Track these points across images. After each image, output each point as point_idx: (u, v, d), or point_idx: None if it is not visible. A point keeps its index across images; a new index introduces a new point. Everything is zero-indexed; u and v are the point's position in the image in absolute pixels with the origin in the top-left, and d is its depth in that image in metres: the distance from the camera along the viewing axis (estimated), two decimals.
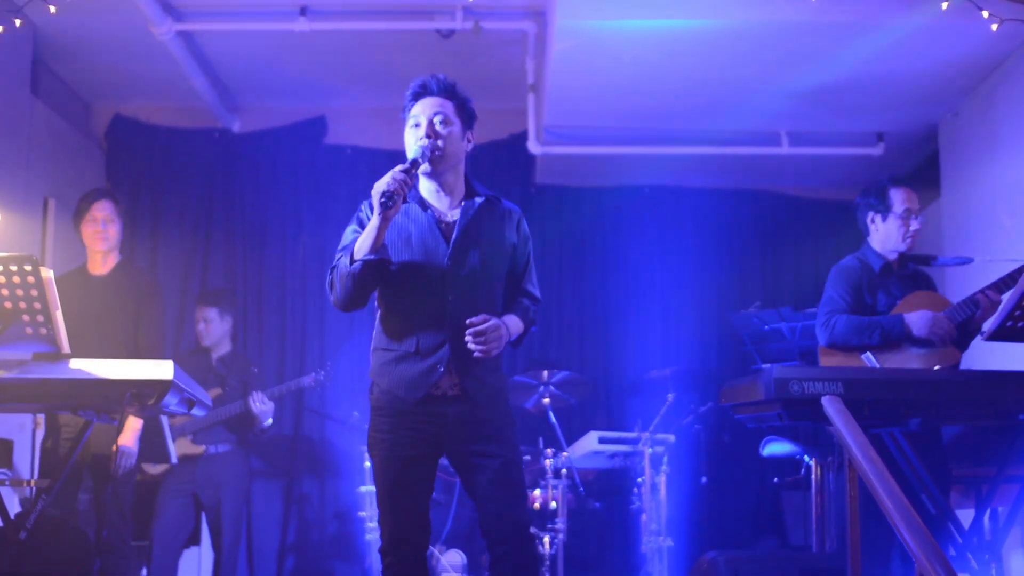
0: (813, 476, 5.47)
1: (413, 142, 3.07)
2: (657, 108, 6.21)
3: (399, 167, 2.94)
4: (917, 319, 3.87)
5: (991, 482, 3.55)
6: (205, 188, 6.87)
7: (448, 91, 3.13)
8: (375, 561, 5.53)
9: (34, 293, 2.85)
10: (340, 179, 6.86)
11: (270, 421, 5.34)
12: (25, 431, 5.38)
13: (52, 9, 4.89)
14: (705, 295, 7.06)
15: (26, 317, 2.88)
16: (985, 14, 4.73)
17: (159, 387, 2.87)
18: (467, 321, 2.97)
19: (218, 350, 5.53)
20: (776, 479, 6.39)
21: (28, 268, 2.82)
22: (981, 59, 5.47)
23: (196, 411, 3.30)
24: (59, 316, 2.91)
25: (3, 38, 5.05)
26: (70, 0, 4.96)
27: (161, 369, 2.87)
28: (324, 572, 6.50)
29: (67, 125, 6.39)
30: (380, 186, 2.90)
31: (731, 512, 6.62)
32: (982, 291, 3.85)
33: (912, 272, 4.18)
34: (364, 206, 3.14)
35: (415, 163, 2.99)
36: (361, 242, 2.98)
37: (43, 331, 2.91)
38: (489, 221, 3.15)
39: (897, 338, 3.89)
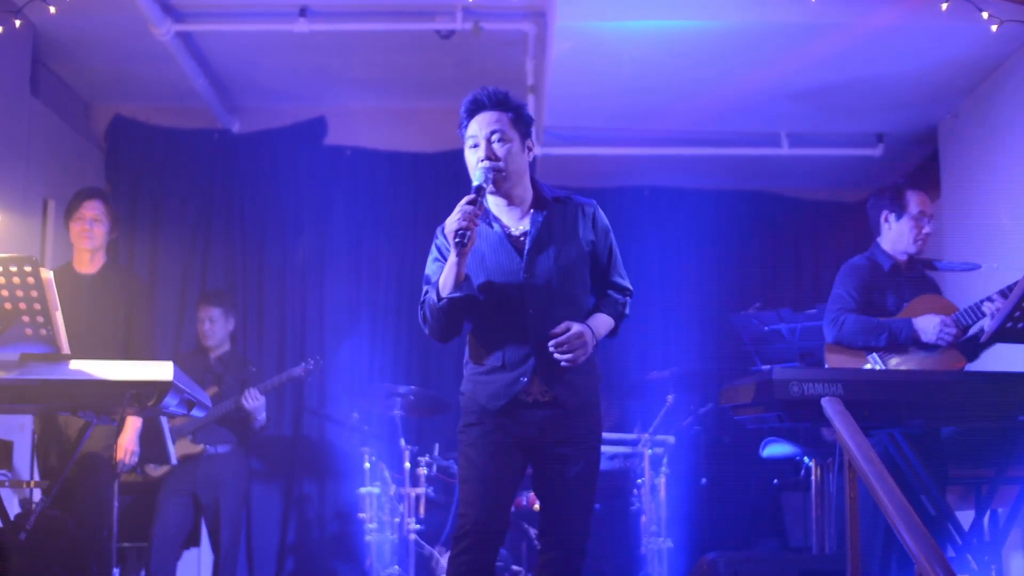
0: (813, 477, 5.47)
1: (474, 163, 3.04)
2: (657, 109, 6.21)
3: (465, 199, 2.90)
4: (926, 324, 3.88)
5: (991, 483, 3.55)
6: (205, 189, 6.86)
7: (501, 103, 3.07)
8: (375, 561, 5.54)
9: (34, 294, 2.86)
10: (340, 180, 6.86)
11: (263, 415, 5.34)
12: (25, 432, 5.37)
13: (52, 9, 4.89)
14: (705, 296, 7.06)
15: (26, 318, 2.89)
16: (985, 15, 4.73)
17: (159, 388, 2.87)
18: (550, 332, 2.97)
19: (218, 350, 5.54)
20: (776, 480, 6.39)
21: (28, 269, 2.83)
22: (981, 60, 5.47)
23: (196, 412, 3.31)
24: (59, 317, 2.92)
25: (3, 38, 5.04)
26: (70, 0, 4.96)
27: (161, 370, 2.87)
28: (324, 573, 6.49)
29: (66, 125, 6.38)
30: (451, 224, 2.88)
31: (731, 513, 6.61)
32: (988, 300, 3.85)
33: (920, 275, 4.20)
34: (439, 234, 3.12)
35: (480, 190, 2.95)
36: (444, 279, 2.97)
37: (43, 332, 2.91)
38: (561, 224, 3.11)
39: (904, 341, 3.90)
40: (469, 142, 3.07)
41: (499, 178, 3.01)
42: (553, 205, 3.13)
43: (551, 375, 3.02)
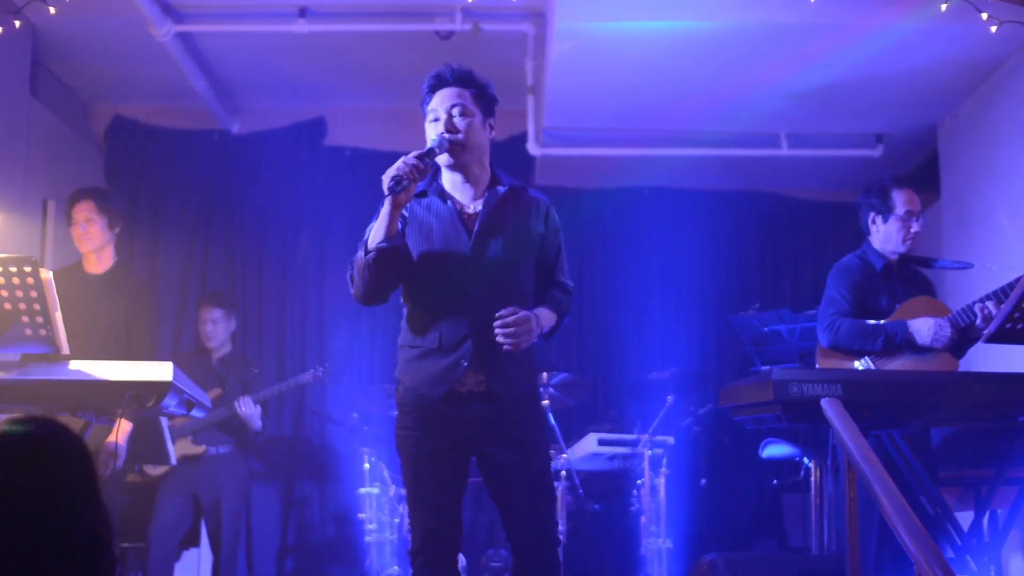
0: (812, 478, 5.47)
1: (433, 136, 3.00)
2: (656, 110, 6.21)
3: (413, 153, 2.88)
4: (921, 326, 3.83)
5: (990, 484, 3.55)
6: (204, 189, 6.87)
7: (464, 79, 3.04)
8: (374, 562, 5.54)
9: (34, 294, 2.86)
10: (339, 180, 6.86)
11: (259, 423, 5.31)
12: None
13: (51, 10, 4.89)
14: (704, 297, 7.06)
15: (26, 318, 2.89)
16: (984, 16, 4.73)
17: (158, 388, 2.88)
18: (496, 314, 2.88)
19: (220, 351, 5.54)
20: (775, 481, 6.39)
21: (28, 269, 2.83)
22: (980, 60, 5.47)
23: (195, 412, 3.30)
24: (58, 317, 2.92)
25: (2, 39, 5.04)
26: (70, 1, 4.96)
27: (160, 371, 2.87)
28: (323, 573, 6.50)
29: (66, 126, 6.39)
30: (390, 171, 2.85)
31: (730, 514, 6.62)
32: (981, 302, 3.81)
33: (912, 273, 4.15)
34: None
35: (431, 152, 2.92)
36: (374, 231, 2.91)
37: (42, 332, 2.91)
38: (515, 211, 3.06)
39: (900, 344, 3.86)
40: (429, 116, 3.04)
41: (457, 150, 2.97)
42: (509, 191, 3.08)
43: (487, 361, 2.94)
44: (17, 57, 5.60)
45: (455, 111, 2.99)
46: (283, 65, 6.32)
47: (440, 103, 3.01)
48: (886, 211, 4.07)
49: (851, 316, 3.95)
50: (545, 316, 3.06)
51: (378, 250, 2.89)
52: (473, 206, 3.05)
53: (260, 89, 6.72)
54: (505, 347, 2.89)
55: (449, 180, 3.07)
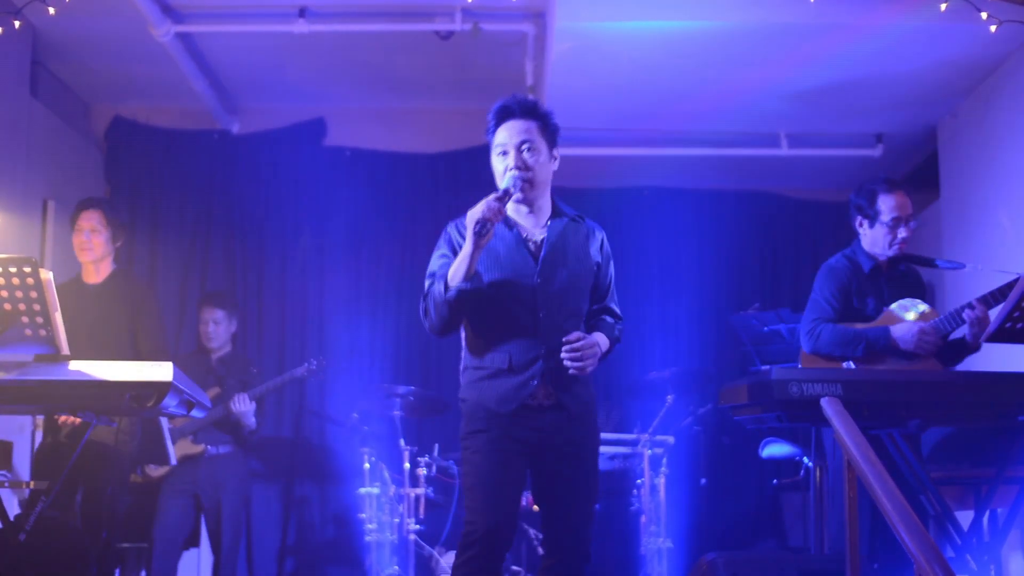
0: (812, 478, 5.47)
1: (502, 170, 3.09)
2: (656, 110, 6.21)
3: (493, 196, 2.96)
4: (904, 333, 3.76)
5: (990, 484, 3.55)
6: (204, 190, 6.87)
7: (530, 112, 3.12)
8: (374, 563, 5.54)
9: (33, 295, 2.86)
10: (339, 180, 6.86)
11: (252, 420, 5.30)
12: (25, 433, 5.38)
13: (51, 10, 4.90)
14: (704, 296, 7.06)
15: (25, 319, 2.89)
16: (984, 15, 4.74)
17: (158, 389, 2.88)
18: (564, 339, 3.01)
19: (219, 351, 5.54)
20: (775, 481, 6.39)
21: (27, 270, 2.83)
22: (980, 60, 5.47)
23: (195, 413, 3.31)
24: (58, 317, 2.92)
25: (2, 39, 5.05)
26: (69, 1, 4.96)
27: (160, 371, 2.88)
28: (323, 573, 6.49)
29: (66, 126, 6.39)
30: (475, 214, 2.92)
31: (730, 514, 6.62)
32: (970, 305, 3.73)
33: (903, 273, 4.05)
34: (451, 230, 3.16)
35: (507, 193, 3.01)
36: (455, 269, 3.00)
37: (42, 332, 2.91)
38: (575, 240, 3.19)
39: (882, 351, 3.79)
40: (497, 150, 3.12)
41: (527, 186, 3.07)
42: (569, 221, 3.19)
43: (557, 380, 3.06)
44: (17, 57, 5.61)
45: (524, 147, 3.08)
46: (283, 65, 6.32)
47: (508, 137, 3.09)
48: (872, 216, 3.98)
49: (834, 321, 3.88)
50: (603, 341, 3.17)
51: (459, 291, 2.99)
52: (537, 233, 3.16)
53: (260, 89, 6.73)
54: (572, 371, 3.02)
55: (513, 208, 3.16)
